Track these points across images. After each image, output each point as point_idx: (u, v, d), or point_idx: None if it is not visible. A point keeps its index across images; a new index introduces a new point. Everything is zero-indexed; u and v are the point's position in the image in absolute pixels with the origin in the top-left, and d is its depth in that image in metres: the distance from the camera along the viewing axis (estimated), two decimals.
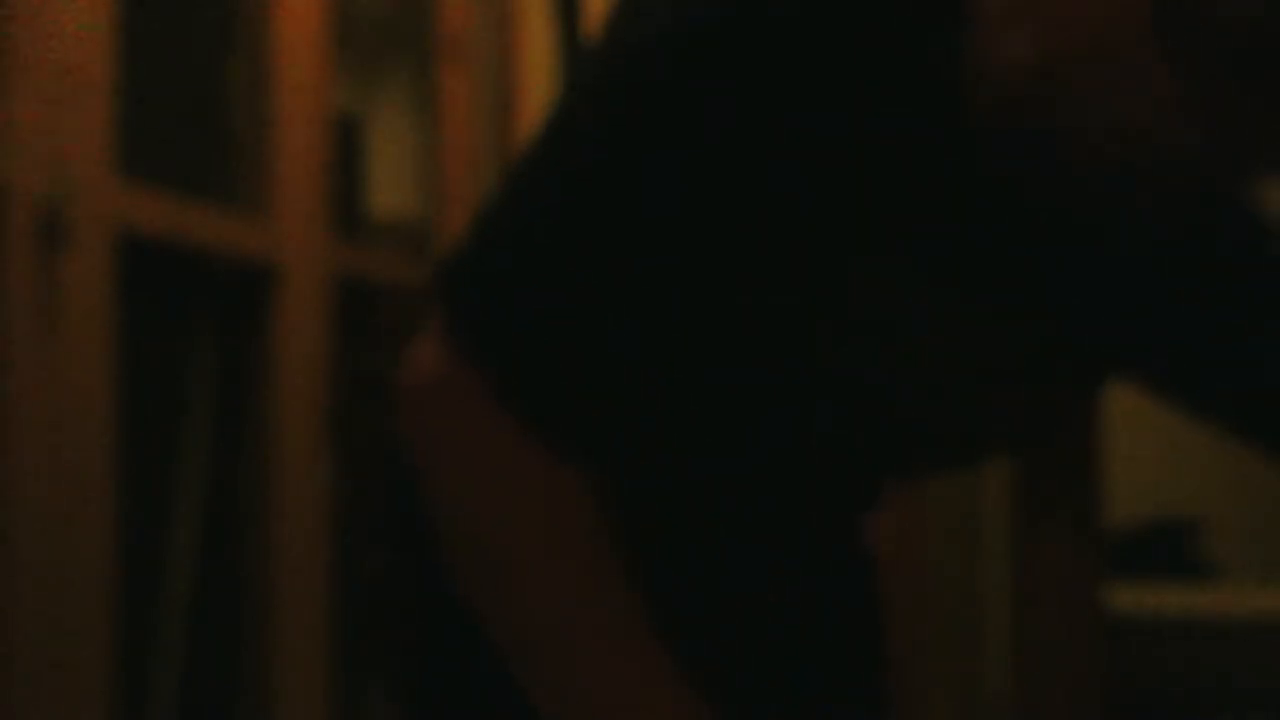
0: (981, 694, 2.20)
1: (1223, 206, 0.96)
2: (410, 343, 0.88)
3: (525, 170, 0.85)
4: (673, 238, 0.84)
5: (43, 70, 1.54)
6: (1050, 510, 1.16)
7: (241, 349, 2.10)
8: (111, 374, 1.65)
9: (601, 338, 0.83)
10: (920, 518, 2.40)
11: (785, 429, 0.96)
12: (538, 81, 2.86)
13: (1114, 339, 1.04)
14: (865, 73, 0.83)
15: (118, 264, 1.66)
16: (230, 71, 2.07)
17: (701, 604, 1.03)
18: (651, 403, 0.92)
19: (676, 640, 0.97)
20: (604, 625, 0.86)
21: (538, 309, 0.83)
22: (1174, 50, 0.75)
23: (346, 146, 2.47)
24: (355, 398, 2.25)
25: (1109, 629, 1.17)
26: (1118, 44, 0.76)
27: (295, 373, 2.11)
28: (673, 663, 0.87)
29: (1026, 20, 0.80)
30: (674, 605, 0.99)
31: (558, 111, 0.86)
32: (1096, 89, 0.78)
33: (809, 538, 1.10)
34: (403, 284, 2.50)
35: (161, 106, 1.88)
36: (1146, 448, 2.65)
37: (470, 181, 2.85)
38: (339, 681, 2.18)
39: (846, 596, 1.15)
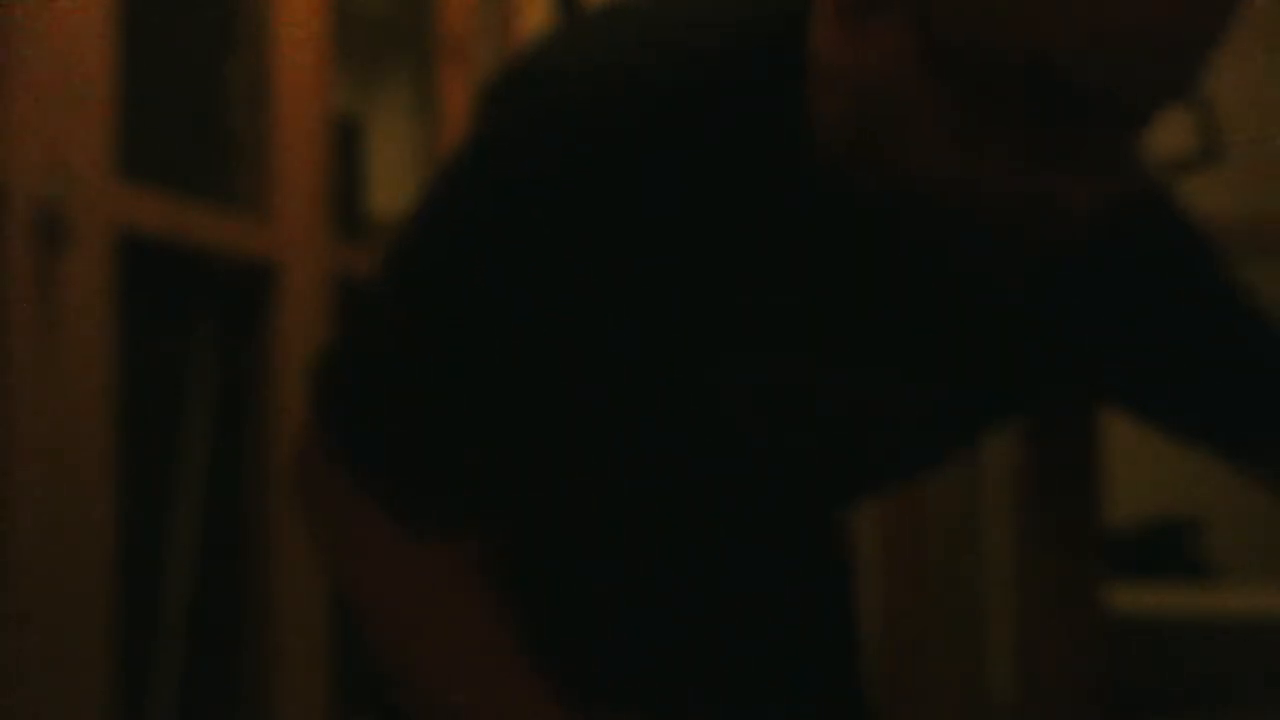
0: (982, 694, 2.20)
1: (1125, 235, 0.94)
2: (301, 424, 0.95)
3: (386, 267, 0.91)
4: (511, 356, 0.87)
5: (43, 70, 1.54)
6: (1050, 510, 1.16)
7: (241, 349, 2.10)
8: (111, 374, 1.65)
9: (446, 429, 0.88)
10: (920, 518, 2.40)
11: (671, 479, 0.98)
12: None
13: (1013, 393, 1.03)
14: (718, 170, 0.84)
15: (117, 264, 1.66)
16: (230, 71, 2.07)
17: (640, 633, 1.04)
18: (515, 474, 0.94)
19: (620, 666, 0.99)
20: (486, 680, 0.89)
21: (381, 412, 0.89)
22: (956, 88, 0.75)
23: (346, 147, 2.47)
24: None
25: (1109, 629, 1.17)
26: (901, 93, 0.76)
27: (295, 373, 2.11)
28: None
29: (836, 84, 0.80)
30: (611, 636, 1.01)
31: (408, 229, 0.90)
32: (900, 139, 0.77)
33: (751, 554, 1.10)
34: None
35: (161, 106, 1.88)
36: (1146, 448, 2.65)
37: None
38: (338, 683, 2.18)
39: (806, 606, 1.14)
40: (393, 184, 2.74)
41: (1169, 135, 0.85)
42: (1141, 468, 2.66)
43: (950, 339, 0.93)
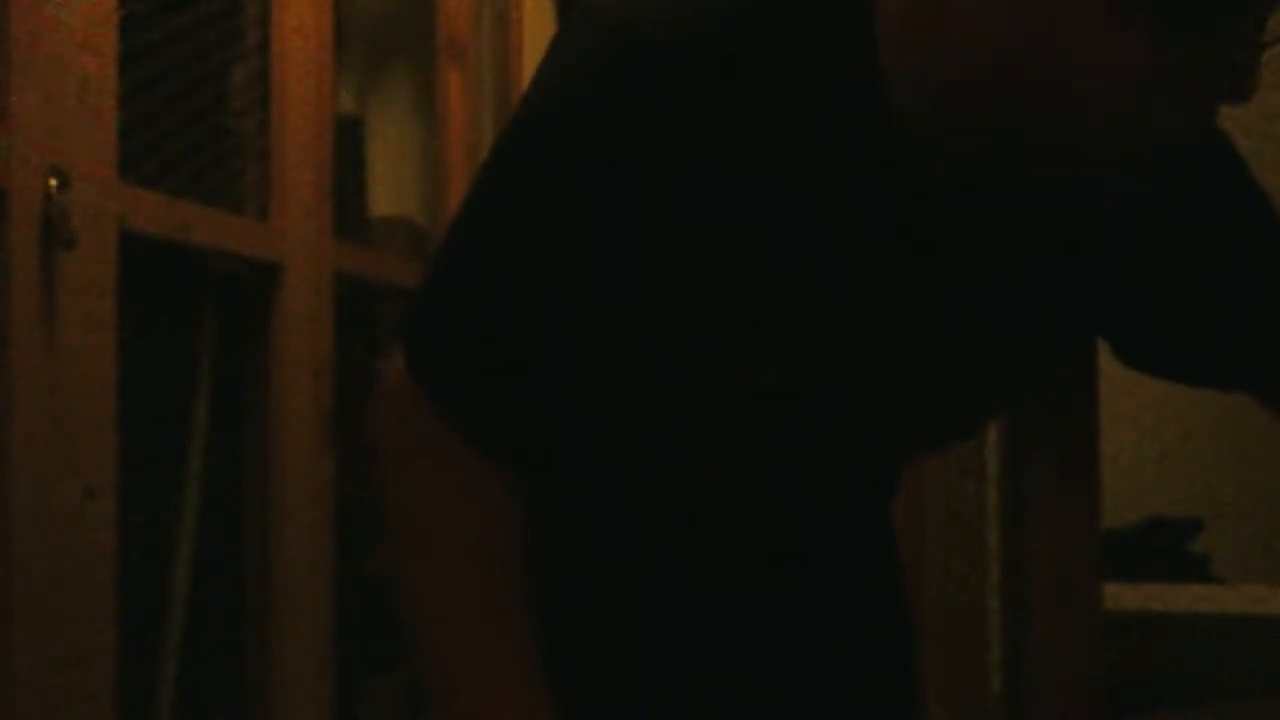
0: (981, 694, 2.20)
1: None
2: (389, 352, 0.97)
3: (467, 209, 0.95)
4: (584, 282, 0.89)
5: (43, 70, 1.54)
6: (1050, 510, 1.16)
7: (242, 348, 2.10)
8: (113, 374, 1.65)
9: (523, 355, 0.90)
10: (920, 517, 2.40)
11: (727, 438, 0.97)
12: None
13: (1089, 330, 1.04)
14: (785, 125, 0.85)
15: (119, 264, 1.66)
16: (232, 71, 2.07)
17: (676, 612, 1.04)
18: (580, 412, 0.95)
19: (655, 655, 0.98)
20: (484, 618, 0.91)
21: (461, 333, 0.92)
22: (1148, 19, 0.75)
23: (347, 147, 2.47)
24: (355, 397, 2.25)
25: (1109, 628, 1.17)
26: (1077, 32, 0.76)
27: (296, 372, 2.11)
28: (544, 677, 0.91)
29: (928, 46, 0.82)
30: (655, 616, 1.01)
31: (490, 160, 0.94)
32: (1060, 85, 0.78)
33: (805, 531, 1.09)
34: (403, 284, 2.50)
35: (163, 106, 1.88)
36: (1146, 448, 2.65)
37: (470, 182, 2.84)
38: (340, 680, 2.18)
39: (857, 587, 1.14)
40: (393, 184, 2.74)
41: None
42: (1141, 468, 2.66)
43: (1015, 278, 0.94)
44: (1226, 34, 0.77)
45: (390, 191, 2.72)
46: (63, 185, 1.55)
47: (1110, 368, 1.13)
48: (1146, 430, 2.55)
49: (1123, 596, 2.34)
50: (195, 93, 1.97)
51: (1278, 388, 1.06)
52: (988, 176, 0.86)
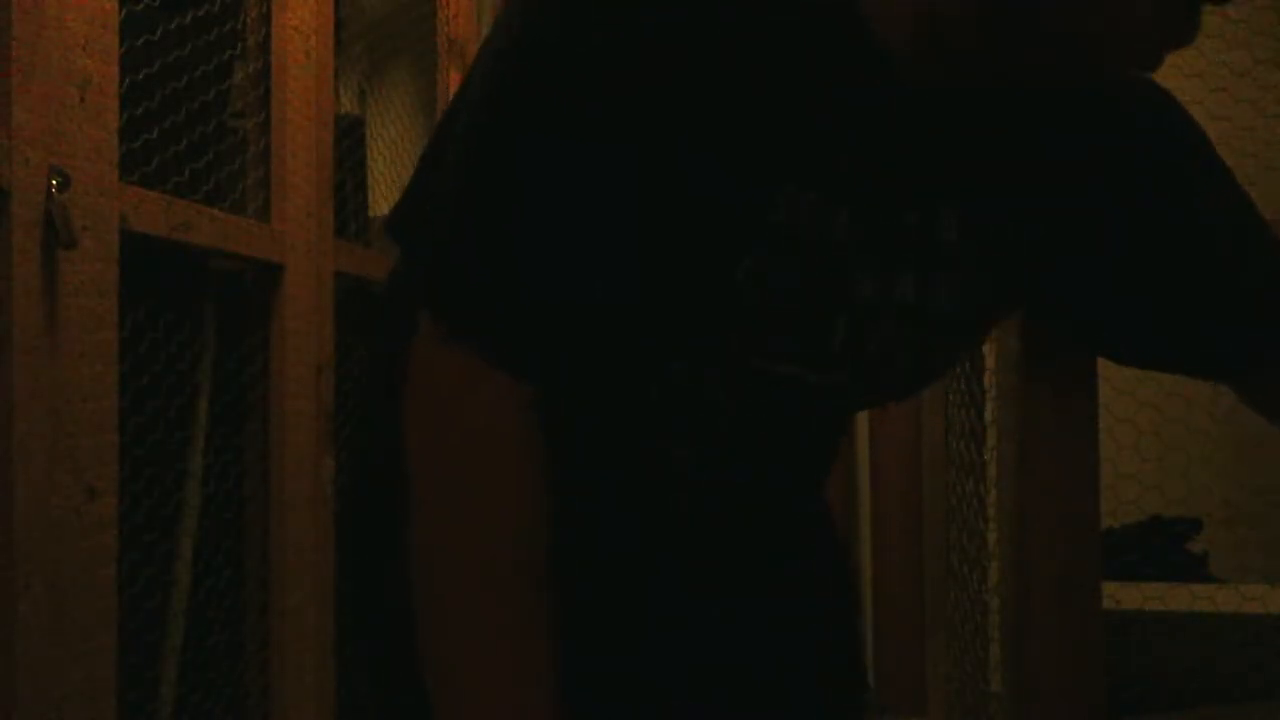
0: (981, 694, 2.20)
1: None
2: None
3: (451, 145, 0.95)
4: (582, 203, 0.90)
5: (44, 70, 1.54)
6: (1050, 509, 1.16)
7: (242, 348, 2.10)
8: (113, 374, 1.65)
9: (531, 280, 0.91)
10: (920, 517, 2.40)
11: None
12: None
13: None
14: (772, 34, 0.89)
15: (120, 264, 1.66)
16: (232, 71, 2.07)
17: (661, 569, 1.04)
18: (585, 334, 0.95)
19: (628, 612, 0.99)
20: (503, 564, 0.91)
21: (476, 268, 0.92)
22: None
23: (347, 147, 2.47)
24: (356, 396, 2.25)
25: (1108, 629, 1.17)
26: None
27: (296, 372, 2.11)
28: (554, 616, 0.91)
29: None
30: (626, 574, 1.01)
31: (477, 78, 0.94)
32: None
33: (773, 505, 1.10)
34: None
35: (163, 106, 1.88)
36: (1146, 448, 2.65)
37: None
38: (340, 680, 2.18)
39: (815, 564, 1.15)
40: (393, 184, 2.74)
41: None
42: (1141, 468, 2.66)
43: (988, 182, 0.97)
44: None
45: (390, 191, 2.73)
46: (63, 185, 1.55)
47: (1109, 370, 1.13)
48: (1146, 430, 2.55)
49: (1123, 596, 2.34)
50: (195, 93, 1.97)
51: (1265, 383, 1.07)
52: (960, 73, 0.90)
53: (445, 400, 0.92)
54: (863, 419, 2.80)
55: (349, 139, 2.51)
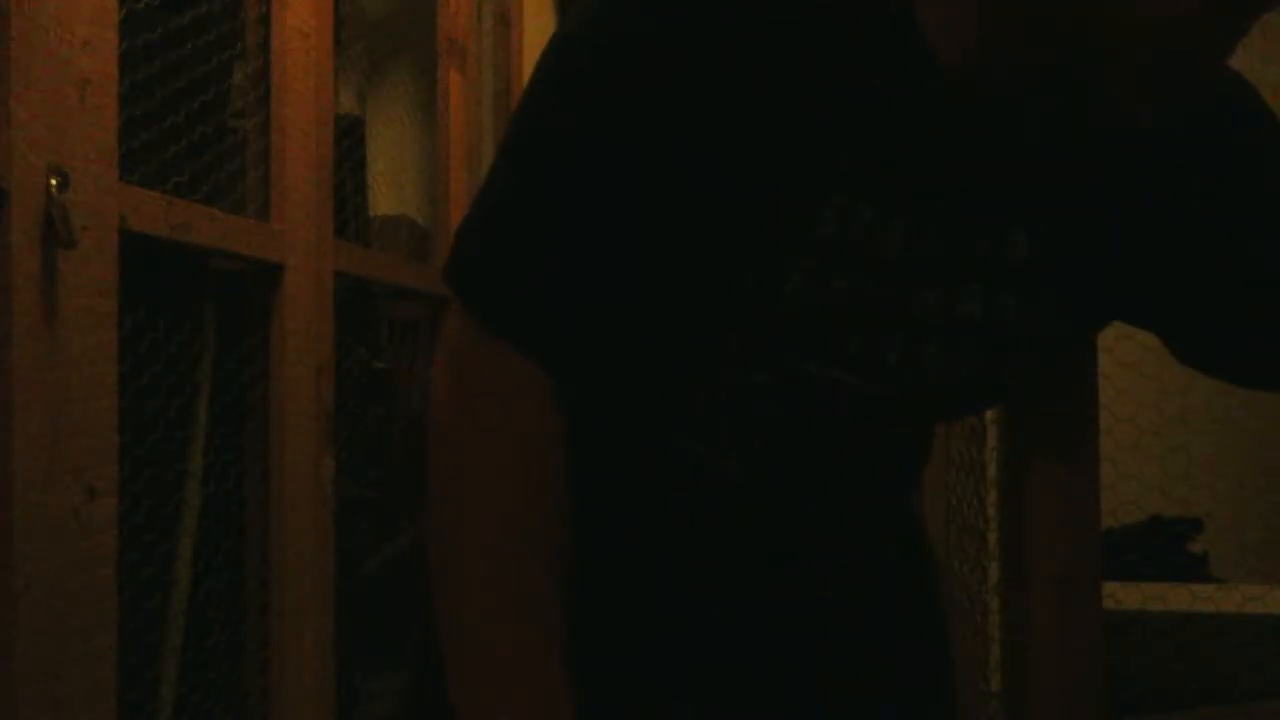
0: (982, 694, 2.20)
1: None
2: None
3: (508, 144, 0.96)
4: (620, 209, 0.91)
5: (43, 70, 1.54)
6: (1050, 509, 1.16)
7: (242, 348, 2.10)
8: (113, 373, 1.65)
9: (563, 277, 0.92)
10: (920, 517, 2.40)
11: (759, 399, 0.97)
12: None
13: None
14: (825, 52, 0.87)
15: (119, 264, 1.66)
16: (232, 71, 2.07)
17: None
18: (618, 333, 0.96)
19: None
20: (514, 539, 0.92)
21: (507, 261, 0.93)
22: None
23: (347, 147, 2.47)
24: (356, 396, 2.25)
25: (1108, 629, 1.17)
26: None
27: (296, 372, 2.11)
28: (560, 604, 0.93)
29: None
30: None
31: (527, 93, 0.94)
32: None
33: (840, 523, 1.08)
34: (403, 284, 2.50)
35: (163, 106, 1.88)
36: (1147, 448, 2.65)
37: (470, 181, 2.85)
38: (340, 680, 2.18)
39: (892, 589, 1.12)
40: (393, 184, 2.74)
41: None
42: (1142, 468, 2.66)
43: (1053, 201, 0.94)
44: None
45: (390, 191, 2.73)
46: (63, 185, 1.55)
47: (1110, 369, 1.13)
48: (1146, 430, 2.55)
49: (1123, 596, 2.34)
50: (195, 93, 1.97)
51: None
52: (1020, 87, 0.88)
53: (469, 386, 0.93)
54: None
55: (349, 139, 2.51)
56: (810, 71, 0.87)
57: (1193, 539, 2.64)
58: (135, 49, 1.78)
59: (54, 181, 1.54)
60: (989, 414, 2.12)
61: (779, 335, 0.94)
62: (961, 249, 0.93)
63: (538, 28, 2.99)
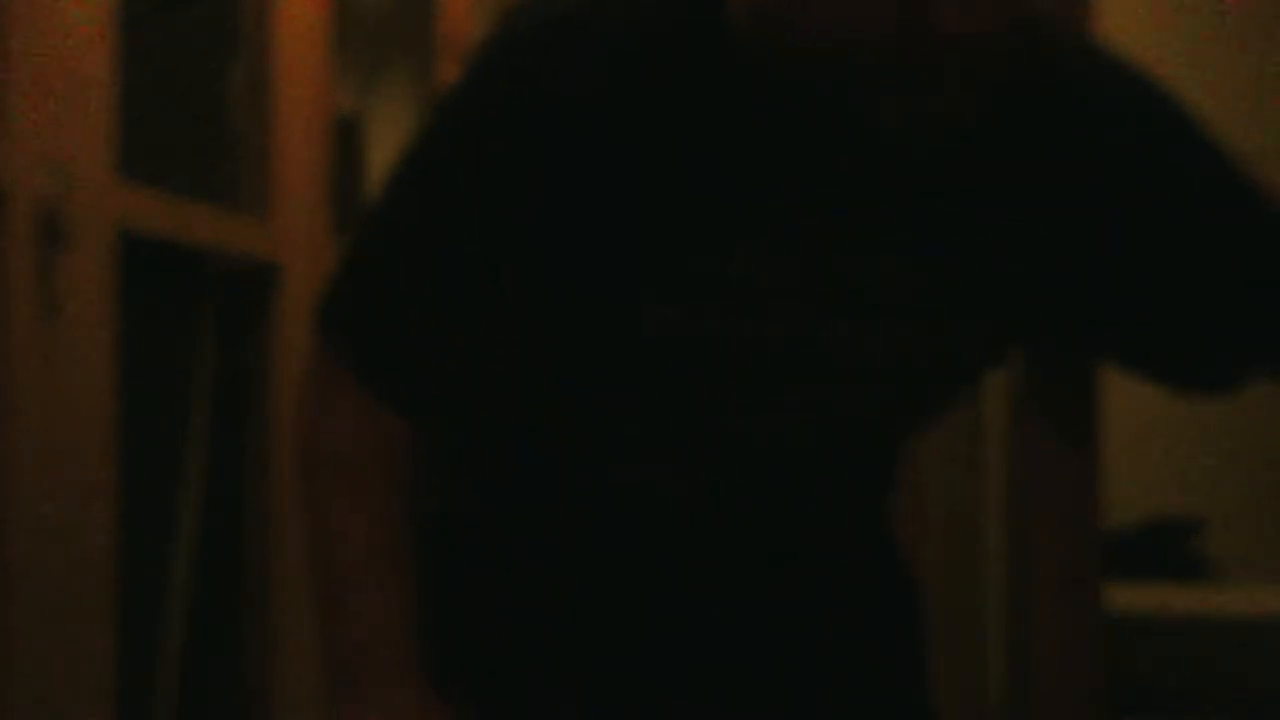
0: (980, 694, 2.20)
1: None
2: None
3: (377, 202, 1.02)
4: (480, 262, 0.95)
5: (43, 70, 1.54)
6: (1050, 509, 1.16)
7: (242, 348, 2.10)
8: (112, 374, 1.65)
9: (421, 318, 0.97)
10: (920, 517, 2.40)
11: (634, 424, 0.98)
12: None
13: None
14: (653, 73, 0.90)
15: (118, 263, 1.66)
16: (231, 71, 2.07)
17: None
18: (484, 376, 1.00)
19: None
20: (364, 554, 0.97)
21: (363, 299, 0.99)
22: None
23: (347, 146, 2.47)
24: None
25: (1108, 629, 1.17)
26: None
27: (295, 372, 2.11)
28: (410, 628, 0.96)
29: None
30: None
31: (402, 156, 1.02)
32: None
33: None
34: None
35: (162, 106, 1.88)
36: (1147, 448, 2.65)
37: None
38: None
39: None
40: None
41: None
42: (1141, 467, 2.66)
43: (896, 214, 0.93)
44: None
45: None
46: (62, 185, 1.55)
47: (1110, 369, 1.13)
48: (1147, 430, 2.54)
49: (1123, 597, 2.34)
50: (194, 93, 1.97)
51: None
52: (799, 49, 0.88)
53: (310, 414, 0.99)
54: None
55: (348, 139, 2.50)
56: (647, 105, 0.90)
57: (1194, 539, 2.64)
58: (135, 49, 1.78)
59: (53, 182, 1.54)
60: (989, 414, 2.12)
61: (651, 374, 0.95)
62: (835, 275, 0.92)
63: None
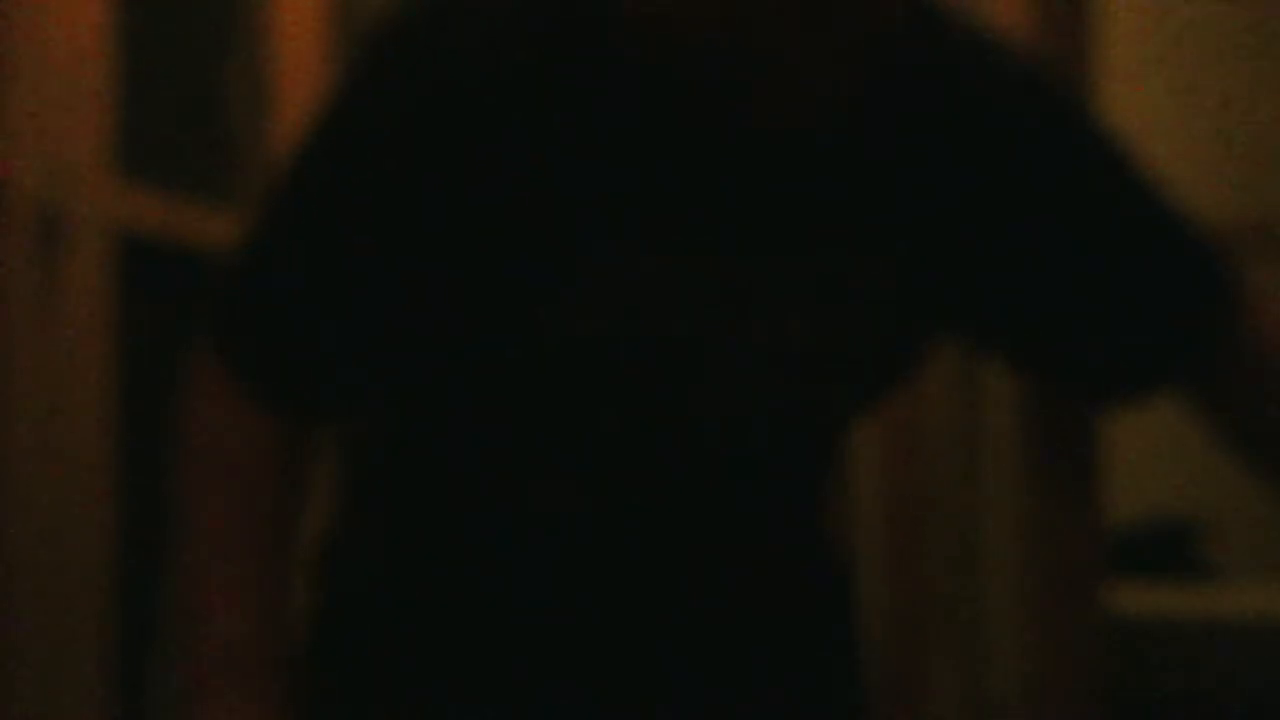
0: (982, 695, 2.20)
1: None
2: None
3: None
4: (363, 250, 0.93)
5: (42, 70, 1.54)
6: (1050, 510, 1.16)
7: None
8: (110, 373, 1.65)
9: (303, 319, 0.95)
10: (920, 519, 2.40)
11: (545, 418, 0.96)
12: None
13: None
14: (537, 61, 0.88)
15: (117, 263, 1.66)
16: (230, 71, 2.07)
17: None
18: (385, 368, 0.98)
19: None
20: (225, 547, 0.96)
21: (237, 297, 0.98)
22: None
23: None
24: None
25: (1109, 630, 1.17)
26: None
27: None
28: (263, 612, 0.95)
29: None
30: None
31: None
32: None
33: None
34: None
35: (161, 106, 1.88)
36: (1146, 448, 2.65)
37: None
38: None
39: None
40: None
41: None
42: (1142, 467, 2.66)
43: (779, 202, 0.92)
44: None
45: None
46: (62, 185, 1.55)
47: None
48: (1147, 430, 2.54)
49: (1125, 597, 2.34)
50: (195, 92, 1.97)
51: (1214, 385, 0.99)
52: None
53: (190, 409, 0.98)
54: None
55: None
56: (536, 107, 0.88)
57: (1197, 540, 2.64)
58: (135, 47, 1.78)
59: (53, 182, 1.54)
60: (989, 414, 2.11)
61: (547, 379, 0.93)
62: (728, 272, 0.91)
63: None
